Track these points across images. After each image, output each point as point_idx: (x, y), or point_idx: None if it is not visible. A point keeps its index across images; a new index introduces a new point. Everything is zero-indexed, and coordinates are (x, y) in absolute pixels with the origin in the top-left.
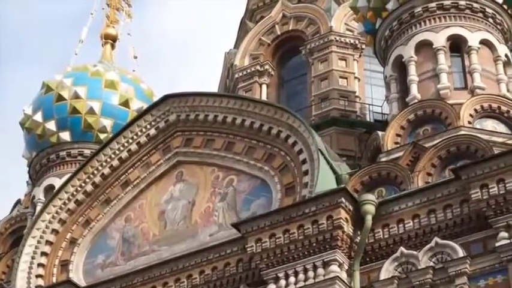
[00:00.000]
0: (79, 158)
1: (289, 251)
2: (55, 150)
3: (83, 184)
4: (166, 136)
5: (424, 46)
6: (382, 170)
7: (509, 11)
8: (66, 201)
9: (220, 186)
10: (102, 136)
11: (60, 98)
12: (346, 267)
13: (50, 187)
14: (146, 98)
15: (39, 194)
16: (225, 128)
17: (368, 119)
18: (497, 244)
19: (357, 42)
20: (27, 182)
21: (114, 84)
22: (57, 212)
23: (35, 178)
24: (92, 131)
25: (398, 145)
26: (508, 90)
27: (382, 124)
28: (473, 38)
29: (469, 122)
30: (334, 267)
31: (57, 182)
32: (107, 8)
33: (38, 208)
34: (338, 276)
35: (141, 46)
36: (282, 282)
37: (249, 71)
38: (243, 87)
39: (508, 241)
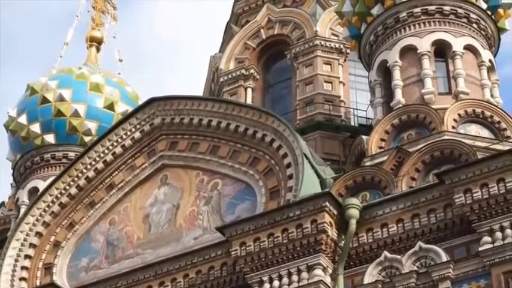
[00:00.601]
0: (63, 160)
1: (274, 254)
2: (39, 152)
3: (67, 187)
4: (151, 139)
5: (409, 51)
6: (367, 175)
7: (493, 17)
8: (50, 204)
9: (204, 189)
10: (86, 139)
11: (45, 100)
12: (330, 271)
13: (34, 190)
14: (131, 101)
15: (23, 196)
16: (209, 132)
17: (353, 124)
18: (480, 249)
19: (342, 46)
20: (11, 184)
21: (99, 87)
22: (41, 215)
23: (19, 180)
24: (77, 133)
25: (382, 149)
26: (491, 96)
27: (367, 129)
28: (457, 44)
29: (453, 127)
30: (318, 271)
31: (42, 185)
32: (93, 11)
33: (22, 210)
34: (322, 280)
35: (126, 49)
36: (267, 285)
37: (234, 74)
38: (228, 91)
39: (491, 245)
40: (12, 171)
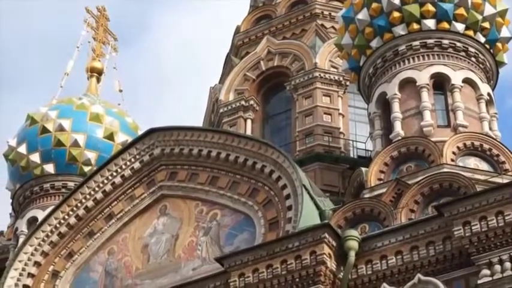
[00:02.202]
0: (63, 190)
1: (272, 286)
2: (39, 182)
3: (66, 217)
4: (151, 170)
5: (408, 84)
6: (366, 206)
7: (491, 51)
8: (49, 234)
9: (204, 220)
10: (86, 169)
11: (45, 130)
12: None
13: (33, 219)
14: (131, 131)
15: (22, 226)
16: (209, 162)
17: (352, 155)
18: (479, 281)
19: (341, 79)
20: (10, 213)
21: (99, 118)
22: (39, 245)
23: (18, 210)
24: (76, 163)
25: (381, 181)
26: (490, 129)
27: (366, 160)
28: (456, 77)
29: (452, 160)
30: None
31: (41, 214)
32: (93, 42)
33: (21, 240)
34: None
35: (126, 79)
36: None
37: (233, 106)
38: (228, 122)
39: (490, 278)
40: (11, 200)
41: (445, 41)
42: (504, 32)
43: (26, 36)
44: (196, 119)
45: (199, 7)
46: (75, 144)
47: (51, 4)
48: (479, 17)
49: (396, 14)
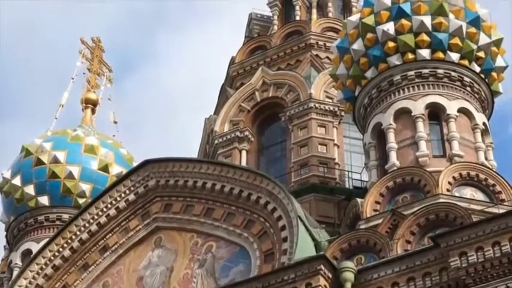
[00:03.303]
0: (57, 222)
1: None
2: (33, 214)
3: (61, 249)
4: (146, 201)
5: (403, 114)
6: (361, 237)
7: (486, 80)
8: (44, 266)
9: (199, 252)
10: (81, 201)
11: (40, 162)
12: None
13: (28, 252)
14: (126, 163)
15: (16, 258)
16: (204, 194)
17: (347, 186)
18: None
19: (336, 109)
20: (4, 246)
21: (93, 149)
22: (34, 277)
23: (12, 242)
24: (71, 195)
25: (377, 212)
26: (486, 158)
27: (362, 191)
28: (451, 107)
29: (448, 190)
30: None
31: (35, 247)
32: (88, 73)
33: (15, 273)
34: None
35: (121, 111)
36: None
37: (228, 137)
38: (223, 153)
39: None
40: (5, 233)
41: (440, 71)
42: (499, 62)
43: (21, 67)
44: (191, 150)
45: (195, 38)
46: (70, 176)
47: (46, 35)
48: (474, 47)
49: (391, 44)
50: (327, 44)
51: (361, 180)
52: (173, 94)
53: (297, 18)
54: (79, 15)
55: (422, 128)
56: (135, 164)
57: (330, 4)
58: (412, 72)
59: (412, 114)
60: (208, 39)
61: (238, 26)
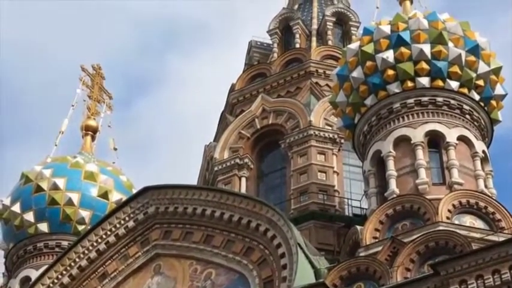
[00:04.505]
0: (56, 249)
1: None
2: (32, 241)
3: (60, 276)
4: (145, 228)
5: (403, 141)
6: (361, 265)
7: (486, 108)
8: None
9: (198, 279)
10: (80, 228)
11: (39, 189)
12: None
13: (26, 279)
14: (125, 190)
15: (15, 285)
16: (204, 221)
17: (347, 214)
18: None
19: (335, 136)
20: (3, 273)
21: (93, 176)
22: None
23: (11, 269)
24: (70, 222)
25: (377, 240)
26: (485, 186)
27: (361, 219)
28: (451, 134)
29: (448, 218)
30: None
31: (34, 274)
32: (88, 100)
33: None
34: None
35: (121, 138)
36: None
37: (228, 164)
38: (223, 180)
39: None
40: (4, 259)
41: (440, 99)
42: (498, 90)
43: (21, 94)
44: (191, 177)
45: (196, 65)
46: (70, 203)
47: (47, 61)
48: (474, 75)
49: (390, 72)
50: (327, 72)
51: (360, 208)
52: (172, 121)
53: (297, 45)
54: (80, 41)
55: (421, 155)
56: (134, 191)
57: (329, 32)
58: (411, 100)
59: (412, 141)
60: (209, 67)
61: (239, 53)
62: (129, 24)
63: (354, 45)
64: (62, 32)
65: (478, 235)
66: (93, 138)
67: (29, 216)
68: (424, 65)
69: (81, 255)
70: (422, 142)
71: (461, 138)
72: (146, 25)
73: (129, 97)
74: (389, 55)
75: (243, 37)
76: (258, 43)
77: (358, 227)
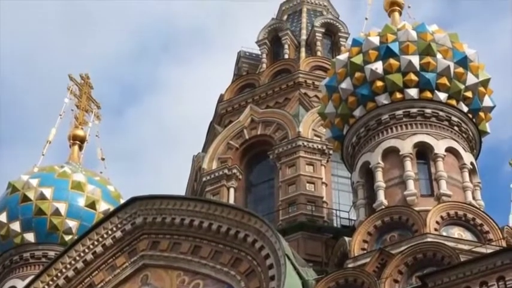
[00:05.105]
0: (43, 259)
1: None
2: (18, 251)
3: (46, 286)
4: (133, 239)
5: (391, 153)
6: (349, 276)
7: (474, 120)
8: None
9: None
10: (67, 238)
11: (26, 198)
12: None
13: None
14: (113, 200)
15: None
16: (191, 232)
17: (335, 225)
18: None
19: (324, 147)
20: None
21: (80, 186)
22: None
23: None
24: (57, 232)
25: (365, 251)
26: (473, 198)
27: (349, 230)
28: (439, 146)
29: (436, 229)
30: None
31: (20, 284)
32: (76, 110)
33: None
34: None
35: (109, 147)
36: None
37: (216, 174)
38: (211, 191)
39: None
40: None
41: (428, 110)
42: (487, 102)
43: (8, 103)
44: (179, 188)
45: (188, 74)
46: (57, 212)
47: (34, 71)
48: (462, 87)
49: (379, 83)
50: (316, 83)
51: (349, 219)
52: (160, 131)
53: (286, 56)
54: (71, 48)
55: (410, 167)
56: (122, 201)
57: (318, 43)
58: (400, 112)
59: (400, 153)
60: (198, 77)
61: (232, 62)
62: (122, 31)
63: (342, 56)
64: (53, 38)
65: (466, 247)
66: (80, 148)
67: (16, 226)
68: (413, 77)
69: (68, 266)
70: (410, 153)
71: (450, 150)
72: (140, 32)
73: (120, 105)
74: (378, 66)
75: (237, 46)
76: (247, 53)
77: (347, 238)
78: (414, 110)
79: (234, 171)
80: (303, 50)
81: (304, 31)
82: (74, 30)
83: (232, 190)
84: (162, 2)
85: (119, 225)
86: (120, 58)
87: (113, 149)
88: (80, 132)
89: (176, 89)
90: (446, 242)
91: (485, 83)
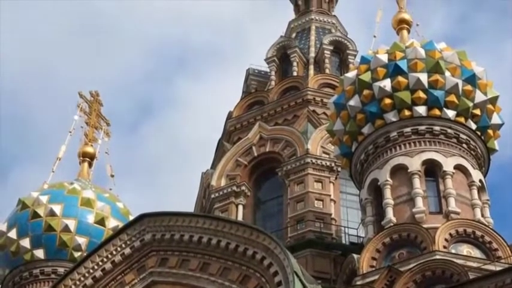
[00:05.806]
0: (52, 276)
1: None
2: (28, 268)
3: None
4: (141, 255)
5: (400, 170)
6: None
7: (482, 137)
8: None
9: None
10: (76, 254)
11: (36, 215)
12: None
13: None
14: (122, 216)
15: None
16: (200, 249)
17: (344, 242)
18: None
19: (333, 164)
20: None
21: (90, 203)
22: None
23: None
24: (67, 249)
25: (373, 268)
26: (482, 215)
27: (358, 247)
28: (447, 163)
29: (444, 247)
30: None
31: None
32: (86, 127)
33: None
34: None
35: (118, 164)
36: None
37: (225, 191)
38: (219, 208)
39: None
40: (0, 286)
41: (437, 128)
42: (495, 119)
43: (19, 120)
44: (188, 205)
45: (201, 90)
46: (66, 229)
47: (45, 88)
48: (470, 104)
49: (388, 101)
50: (324, 100)
51: (357, 236)
52: (169, 148)
53: (294, 74)
54: (85, 65)
55: (418, 184)
56: (131, 218)
57: (326, 60)
58: (408, 129)
59: (409, 170)
60: (207, 94)
61: (239, 80)
62: (138, 48)
63: (351, 74)
64: (65, 56)
65: (475, 264)
66: (90, 165)
67: (25, 243)
68: (421, 94)
69: (77, 282)
70: (419, 171)
71: (458, 167)
72: (154, 50)
73: (132, 122)
74: (386, 84)
75: (249, 64)
76: (256, 71)
77: (355, 256)
78: (423, 128)
79: (243, 188)
80: (311, 67)
81: (312, 48)
82: (87, 47)
83: (240, 207)
84: (175, 20)
85: (128, 242)
86: (133, 75)
87: (123, 166)
88: (89, 149)
89: (189, 106)
90: (455, 260)
91: (493, 100)
